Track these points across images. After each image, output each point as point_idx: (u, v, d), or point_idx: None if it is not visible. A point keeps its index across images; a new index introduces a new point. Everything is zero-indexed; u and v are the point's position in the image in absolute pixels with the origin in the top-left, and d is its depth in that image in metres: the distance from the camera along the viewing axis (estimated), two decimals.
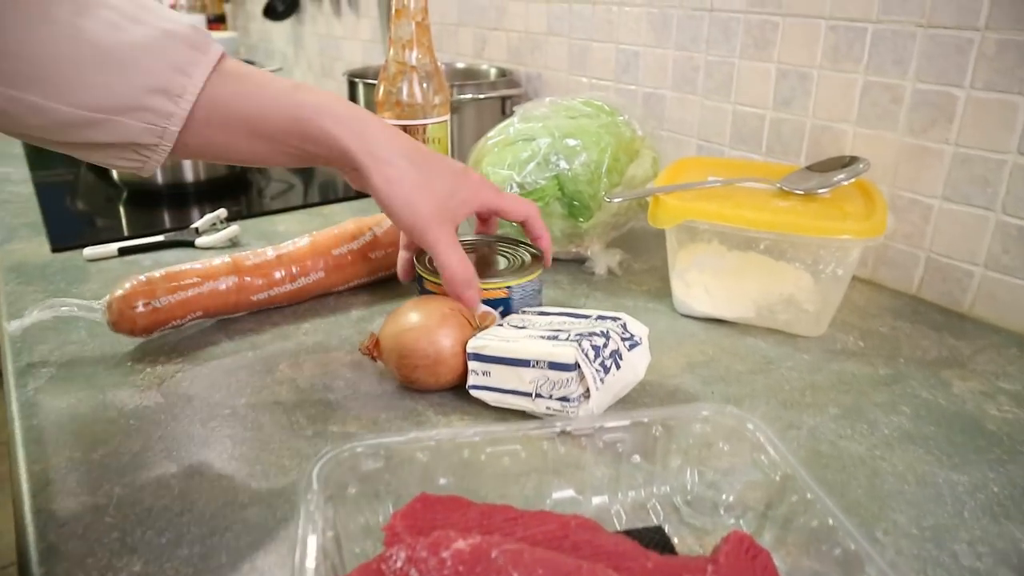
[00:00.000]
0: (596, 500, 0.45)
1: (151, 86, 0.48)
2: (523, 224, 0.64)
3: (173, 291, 0.62)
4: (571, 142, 0.74)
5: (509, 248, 0.69)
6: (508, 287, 0.63)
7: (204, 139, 0.52)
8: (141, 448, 0.51)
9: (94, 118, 0.47)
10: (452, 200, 0.58)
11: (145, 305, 0.61)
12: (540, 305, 0.67)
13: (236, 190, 1.10)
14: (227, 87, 0.52)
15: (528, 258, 0.67)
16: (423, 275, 0.64)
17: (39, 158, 1.27)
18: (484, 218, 0.68)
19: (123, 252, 0.84)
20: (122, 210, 1.03)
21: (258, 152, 0.55)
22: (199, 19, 2.30)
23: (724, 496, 0.45)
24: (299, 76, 2.08)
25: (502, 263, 0.67)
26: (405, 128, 0.78)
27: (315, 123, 0.54)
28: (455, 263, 0.57)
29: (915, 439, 0.53)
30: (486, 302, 0.62)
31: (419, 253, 0.67)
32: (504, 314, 0.63)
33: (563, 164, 0.74)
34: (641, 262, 0.82)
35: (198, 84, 0.49)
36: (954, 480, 0.49)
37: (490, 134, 0.80)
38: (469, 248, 0.69)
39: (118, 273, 0.78)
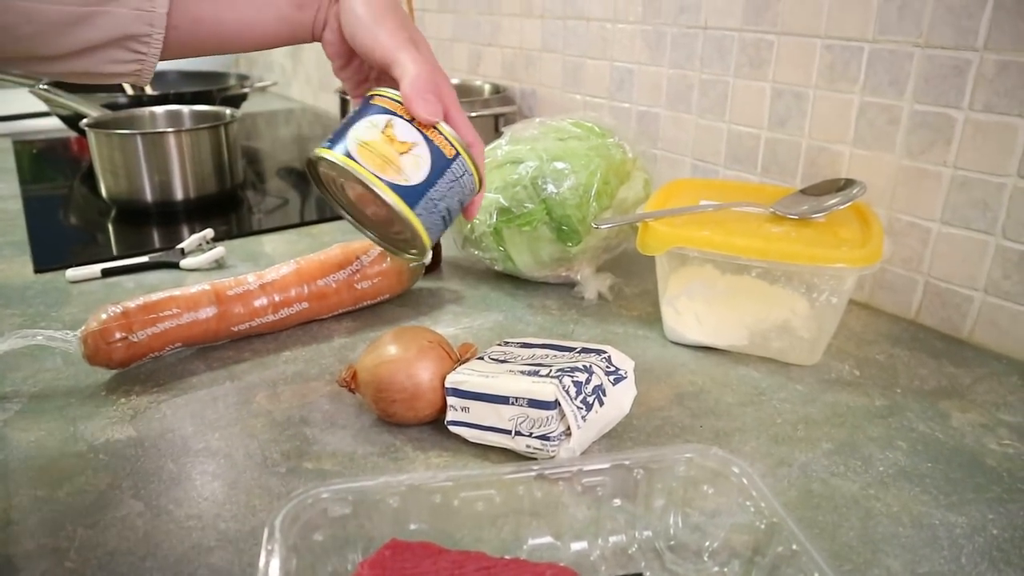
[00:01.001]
0: (575, 546, 0.43)
1: None
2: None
3: (151, 323, 0.61)
4: (559, 165, 0.73)
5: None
6: (457, 151, 0.53)
7: (193, 15, 0.52)
8: (108, 485, 0.49)
9: (83, 12, 0.47)
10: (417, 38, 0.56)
11: (122, 339, 0.59)
12: (454, 215, 0.56)
13: (226, 208, 1.09)
14: None
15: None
16: (374, 89, 0.55)
17: (30, 172, 1.27)
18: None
19: (106, 273, 0.82)
20: (110, 227, 1.02)
21: (246, 17, 0.54)
22: None
23: (708, 542, 0.43)
24: (297, 90, 2.07)
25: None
26: None
27: None
28: (424, 70, 0.53)
29: (911, 476, 0.51)
30: (432, 146, 0.52)
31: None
32: (435, 167, 0.52)
33: (551, 188, 0.72)
34: (633, 286, 0.80)
35: None
36: (951, 521, 0.47)
37: None
38: None
39: (100, 296, 0.77)
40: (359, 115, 0.53)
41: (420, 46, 0.55)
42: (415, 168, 0.51)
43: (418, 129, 0.52)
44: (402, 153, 0.51)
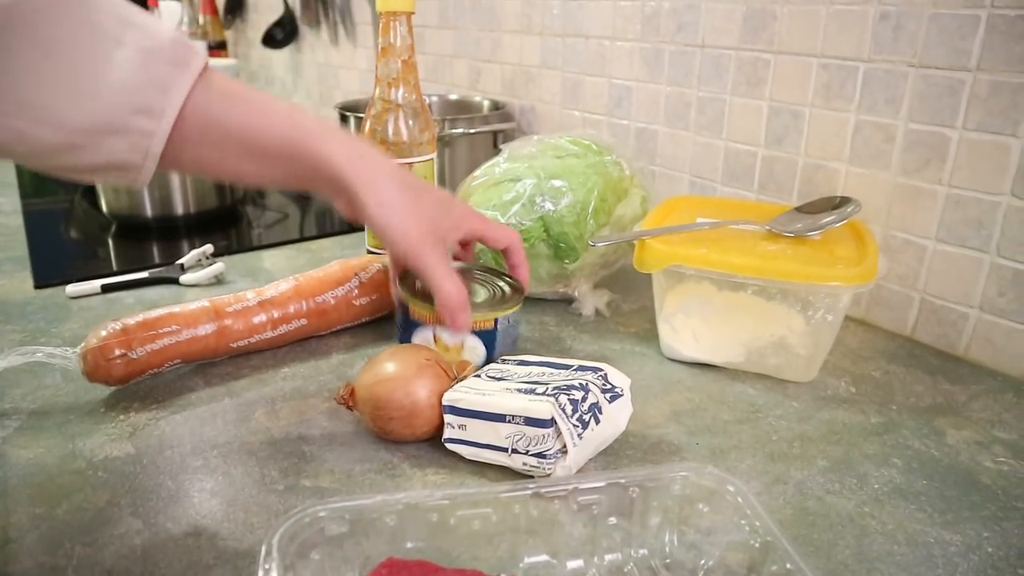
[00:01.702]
0: (571, 564, 0.43)
1: (133, 107, 0.47)
2: (504, 252, 0.65)
3: (151, 339, 0.61)
4: (557, 183, 0.73)
5: (488, 278, 0.69)
6: (496, 319, 0.62)
7: (194, 155, 0.51)
8: (107, 503, 0.49)
9: (78, 142, 0.47)
10: (443, 224, 0.58)
11: (121, 356, 0.60)
12: (519, 336, 0.67)
13: (226, 223, 1.10)
14: (217, 104, 0.51)
15: (508, 288, 0.67)
16: (409, 300, 0.63)
17: (31, 186, 1.27)
18: (464, 244, 0.68)
19: (106, 289, 0.83)
20: (111, 242, 1.02)
21: (248, 171, 0.54)
22: (200, 45, 2.31)
23: (703, 561, 0.43)
24: (297, 103, 2.08)
25: (482, 294, 0.66)
26: None
27: (310, 145, 0.53)
28: (451, 286, 0.56)
29: (906, 494, 0.51)
30: (474, 333, 0.62)
31: (402, 278, 0.66)
32: (488, 345, 0.63)
33: (548, 205, 0.73)
34: (630, 302, 0.81)
35: (177, 101, 0.48)
36: (946, 540, 0.47)
37: (476, 173, 0.79)
38: None
39: (100, 312, 0.77)
40: (407, 329, 0.64)
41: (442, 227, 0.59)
42: (475, 355, 0.63)
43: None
44: (460, 352, 0.62)
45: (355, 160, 0.54)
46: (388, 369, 0.54)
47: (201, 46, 2.23)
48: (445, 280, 0.56)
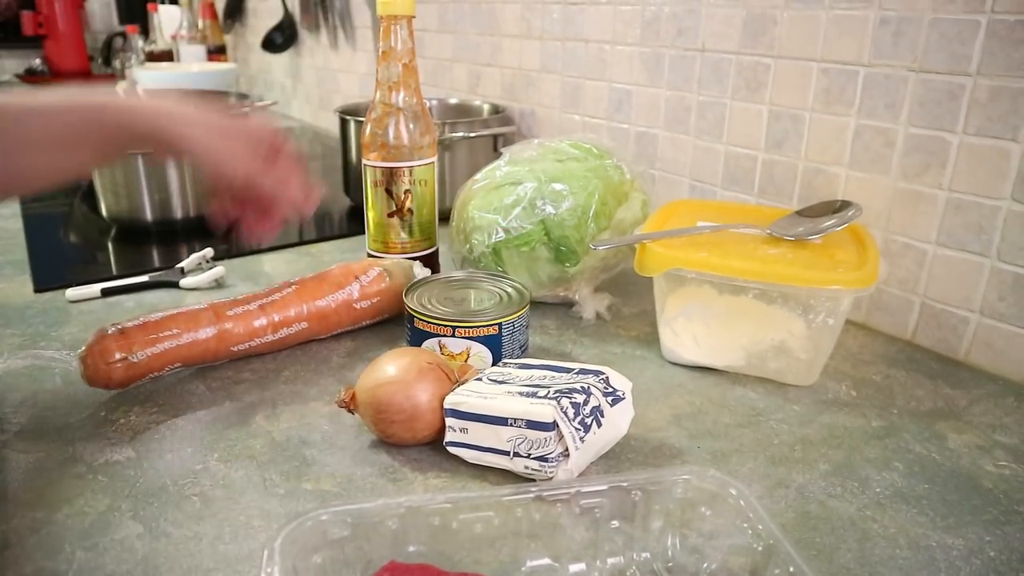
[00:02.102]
0: (573, 568, 0.43)
1: None
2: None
3: (151, 343, 0.61)
4: (557, 186, 0.73)
5: (492, 283, 0.70)
6: (499, 324, 0.63)
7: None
8: (108, 507, 0.49)
9: None
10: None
11: (121, 360, 0.59)
12: (527, 341, 0.67)
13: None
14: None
15: (512, 293, 0.67)
16: (413, 312, 0.64)
17: None
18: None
19: (106, 293, 0.82)
20: (110, 246, 1.02)
21: (60, 163, 0.55)
22: (199, 50, 2.31)
23: (706, 564, 0.43)
24: (297, 107, 2.08)
25: (486, 299, 0.67)
26: (391, 170, 0.77)
27: (110, 114, 0.55)
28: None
29: (908, 498, 0.51)
30: (479, 339, 0.62)
31: (408, 291, 0.67)
32: (493, 350, 0.63)
33: (549, 209, 0.73)
34: (631, 306, 0.81)
35: None
36: (948, 544, 0.47)
37: (476, 177, 0.79)
38: (455, 286, 0.69)
39: (99, 316, 0.77)
40: (415, 339, 0.65)
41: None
42: (480, 361, 0.63)
43: (463, 337, 0.63)
44: (466, 359, 0.63)
45: (158, 111, 0.57)
46: (389, 372, 0.54)
47: (200, 51, 2.21)
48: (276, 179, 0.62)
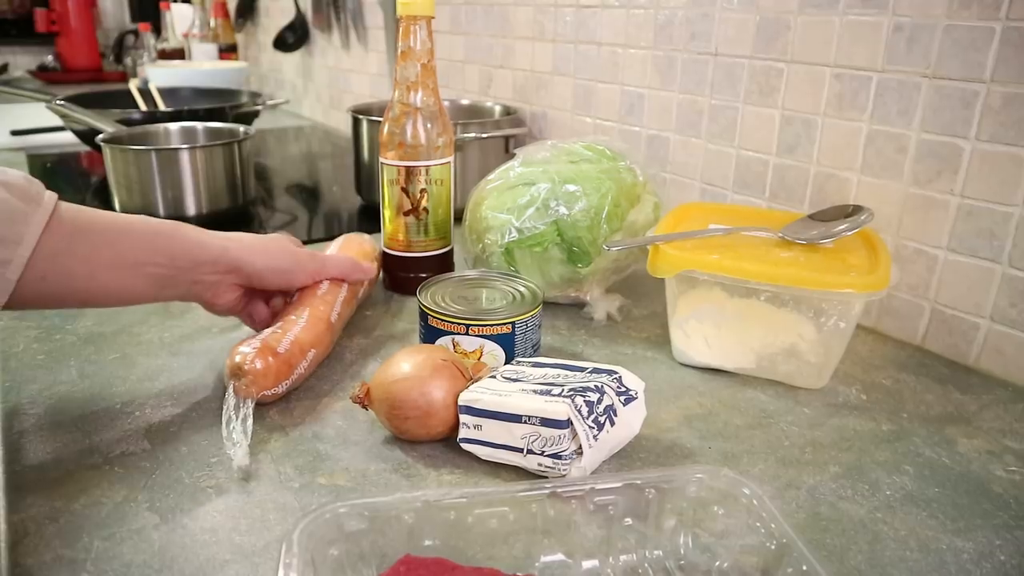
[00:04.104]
0: (587, 564, 0.44)
1: None
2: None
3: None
4: (571, 187, 0.74)
5: (504, 282, 0.70)
6: (513, 323, 0.63)
7: (60, 277, 0.54)
8: (124, 498, 0.50)
9: None
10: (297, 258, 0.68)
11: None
12: (539, 340, 0.67)
13: (237, 223, 1.10)
14: (72, 229, 0.55)
15: (525, 292, 0.68)
16: (427, 310, 0.65)
17: (44, 185, 1.28)
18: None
19: None
20: None
21: (124, 282, 0.57)
22: (211, 48, 2.32)
23: (718, 563, 0.43)
24: (308, 107, 2.09)
25: (499, 299, 0.67)
26: (408, 169, 0.77)
27: (177, 238, 0.60)
28: (337, 259, 0.72)
29: (918, 501, 0.52)
30: (492, 338, 0.63)
31: (421, 289, 0.67)
32: (507, 349, 0.63)
33: (562, 210, 0.73)
34: (641, 307, 0.81)
35: (36, 232, 0.52)
36: (958, 547, 0.47)
37: (490, 177, 0.80)
38: (468, 285, 0.70)
39: (114, 309, 0.78)
40: (429, 337, 0.65)
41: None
42: (494, 360, 0.64)
43: (477, 335, 0.63)
44: (479, 358, 0.63)
45: (221, 238, 0.63)
46: (404, 369, 0.55)
47: (212, 50, 2.22)
48: (327, 260, 0.70)
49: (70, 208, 0.56)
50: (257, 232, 1.07)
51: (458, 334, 0.62)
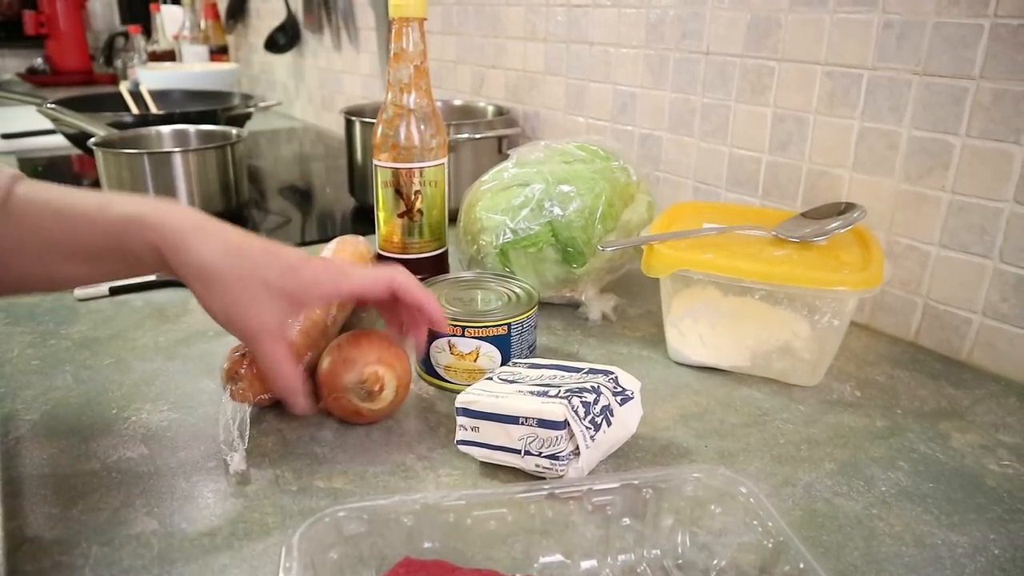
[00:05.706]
0: (585, 564, 0.44)
1: None
2: (396, 295, 0.56)
3: None
4: (565, 188, 0.74)
5: (500, 283, 0.70)
6: (508, 324, 0.63)
7: (17, 270, 0.52)
8: (122, 503, 0.50)
9: None
10: (283, 302, 0.53)
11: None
12: (535, 341, 0.67)
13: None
14: (26, 217, 0.52)
15: (520, 293, 0.68)
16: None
17: None
18: (365, 303, 0.64)
19: (114, 292, 0.83)
20: None
21: (81, 274, 0.54)
22: (201, 50, 2.32)
23: (716, 561, 0.44)
24: (300, 109, 2.09)
25: (494, 300, 0.67)
26: (402, 171, 0.77)
27: (133, 238, 0.51)
28: (284, 373, 0.54)
29: (913, 497, 0.52)
30: (488, 339, 0.63)
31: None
32: (503, 350, 0.63)
33: (557, 210, 0.73)
34: (636, 306, 0.81)
35: None
36: (953, 541, 0.48)
37: (484, 178, 0.80)
38: (463, 286, 0.69)
39: (108, 314, 0.78)
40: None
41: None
42: (490, 361, 0.63)
43: (473, 337, 0.63)
44: (475, 359, 0.63)
45: (180, 247, 0.52)
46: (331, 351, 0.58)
47: (203, 51, 2.21)
48: (279, 367, 0.53)
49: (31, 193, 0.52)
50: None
51: (454, 336, 0.63)
